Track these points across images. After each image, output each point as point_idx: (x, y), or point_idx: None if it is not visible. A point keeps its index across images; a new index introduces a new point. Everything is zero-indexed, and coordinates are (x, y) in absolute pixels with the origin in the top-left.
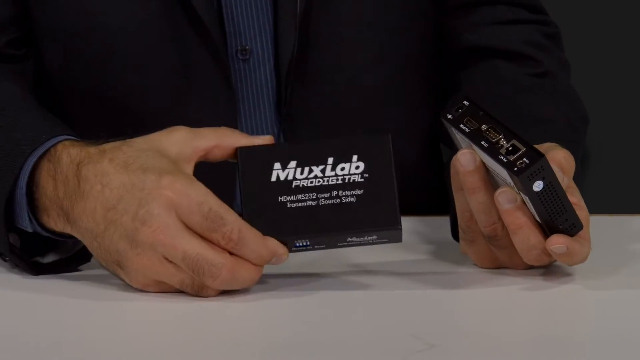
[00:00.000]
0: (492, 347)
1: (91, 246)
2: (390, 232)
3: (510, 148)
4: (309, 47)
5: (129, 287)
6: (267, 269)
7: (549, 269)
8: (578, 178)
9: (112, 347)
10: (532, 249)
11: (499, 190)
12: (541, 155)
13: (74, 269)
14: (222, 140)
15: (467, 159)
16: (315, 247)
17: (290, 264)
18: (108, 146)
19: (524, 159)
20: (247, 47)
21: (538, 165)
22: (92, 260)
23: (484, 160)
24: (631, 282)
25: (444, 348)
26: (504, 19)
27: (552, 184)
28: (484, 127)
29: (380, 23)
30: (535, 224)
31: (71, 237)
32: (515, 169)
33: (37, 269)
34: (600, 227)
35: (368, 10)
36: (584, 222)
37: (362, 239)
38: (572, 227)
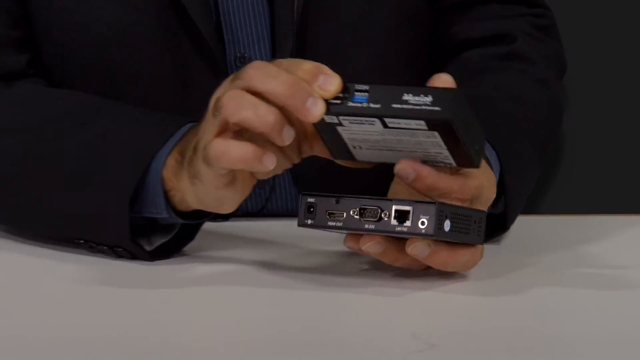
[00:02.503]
0: (492, 348)
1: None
2: (446, 96)
3: (396, 212)
4: (306, 52)
5: (133, 286)
6: (267, 269)
7: (552, 271)
8: (530, 157)
9: (115, 343)
10: (449, 193)
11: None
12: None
13: (180, 250)
14: None
15: (405, 171)
16: (371, 104)
17: (290, 264)
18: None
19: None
20: (246, 54)
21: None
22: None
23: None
24: (631, 281)
25: (444, 348)
26: (497, 15)
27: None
28: (352, 212)
29: (377, 27)
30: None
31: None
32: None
33: (151, 255)
34: (601, 227)
35: (365, 15)
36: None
37: (417, 98)
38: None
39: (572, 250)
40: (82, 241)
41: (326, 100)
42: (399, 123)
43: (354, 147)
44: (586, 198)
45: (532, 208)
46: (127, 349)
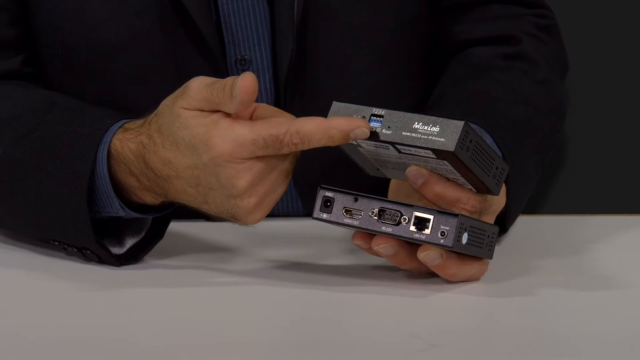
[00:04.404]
0: (493, 347)
1: (202, 209)
2: (453, 127)
3: (416, 219)
4: (306, 54)
5: (129, 286)
6: (267, 268)
7: (553, 271)
8: (531, 156)
9: (112, 344)
10: (456, 202)
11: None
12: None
13: (151, 249)
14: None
15: (414, 175)
16: (383, 130)
17: (291, 264)
18: (153, 129)
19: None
20: (246, 56)
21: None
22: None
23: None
24: (631, 281)
25: (444, 348)
26: (498, 15)
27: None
28: (371, 212)
29: (376, 28)
30: (450, 184)
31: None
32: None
33: (119, 260)
34: (602, 227)
35: (364, 16)
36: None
37: (426, 128)
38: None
39: (573, 250)
40: (56, 242)
41: None
42: (409, 150)
43: (380, 167)
44: (587, 198)
45: (534, 208)
46: (128, 349)
